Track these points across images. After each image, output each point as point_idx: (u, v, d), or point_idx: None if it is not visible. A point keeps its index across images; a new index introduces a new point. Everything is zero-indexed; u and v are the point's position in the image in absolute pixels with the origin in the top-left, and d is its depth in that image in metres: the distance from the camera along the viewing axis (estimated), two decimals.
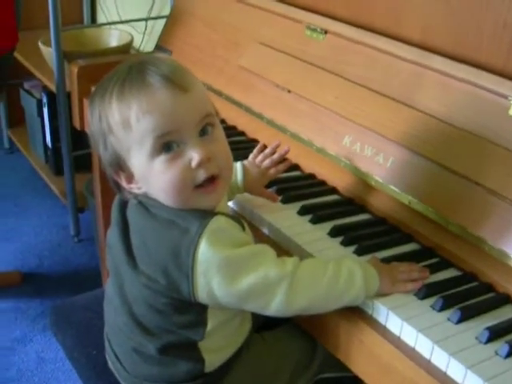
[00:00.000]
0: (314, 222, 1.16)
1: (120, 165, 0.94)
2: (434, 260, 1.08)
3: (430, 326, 0.91)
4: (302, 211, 1.19)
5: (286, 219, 1.16)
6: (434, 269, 1.05)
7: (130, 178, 0.95)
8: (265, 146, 1.25)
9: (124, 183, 0.97)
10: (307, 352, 1.10)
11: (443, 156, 1.09)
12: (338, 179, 1.27)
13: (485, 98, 1.08)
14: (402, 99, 1.18)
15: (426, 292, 0.98)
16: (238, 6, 1.57)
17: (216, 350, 1.02)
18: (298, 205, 1.20)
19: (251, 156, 1.23)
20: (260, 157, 1.22)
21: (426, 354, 0.89)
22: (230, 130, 1.49)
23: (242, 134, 1.49)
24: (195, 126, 0.91)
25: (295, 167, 1.35)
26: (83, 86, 1.71)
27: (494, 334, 0.89)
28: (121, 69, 0.93)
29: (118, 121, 0.90)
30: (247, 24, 1.54)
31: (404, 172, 1.14)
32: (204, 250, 0.89)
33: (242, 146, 1.42)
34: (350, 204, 1.23)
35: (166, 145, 0.90)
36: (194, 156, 0.90)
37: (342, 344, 0.99)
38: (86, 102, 1.71)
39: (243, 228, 0.97)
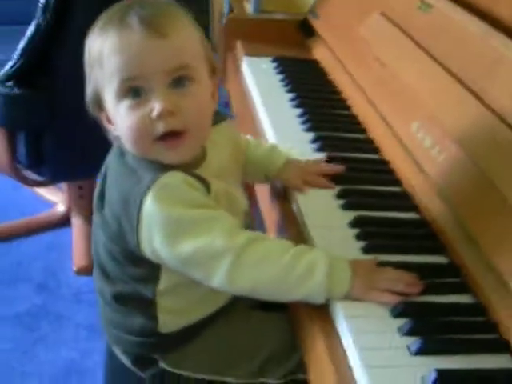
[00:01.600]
0: (344, 207, 1.04)
1: (99, 102, 0.92)
2: (453, 280, 0.91)
3: (377, 347, 0.78)
4: (341, 194, 1.07)
5: (317, 197, 1.06)
6: (447, 290, 0.89)
7: (109, 119, 0.93)
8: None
9: (105, 123, 0.94)
10: (287, 347, 0.99)
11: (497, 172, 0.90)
12: (404, 169, 1.13)
13: None
14: (475, 89, 0.99)
15: (402, 309, 0.83)
16: None
17: (174, 311, 0.97)
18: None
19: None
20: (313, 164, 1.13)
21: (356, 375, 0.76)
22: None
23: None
24: (166, 75, 0.86)
25: (376, 150, 1.22)
26: (229, 40, 1.71)
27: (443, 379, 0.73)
28: (115, 6, 0.91)
29: (95, 56, 0.88)
30: None
31: (452, 175, 0.97)
32: (149, 204, 0.85)
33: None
34: (403, 198, 1.08)
35: (133, 89, 0.86)
36: (156, 106, 0.85)
37: (302, 343, 0.90)
38: (229, 55, 1.71)
39: (208, 191, 0.90)
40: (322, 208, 1.04)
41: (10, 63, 1.77)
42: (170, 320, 0.97)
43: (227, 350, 1.01)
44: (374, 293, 0.84)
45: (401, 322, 0.81)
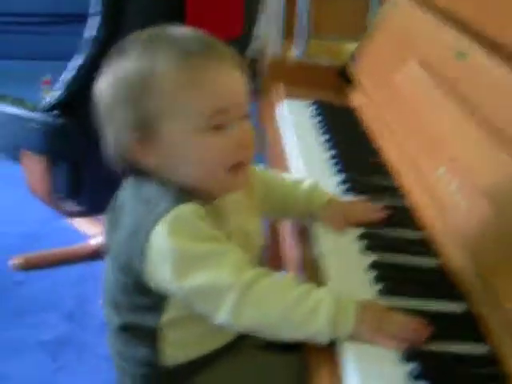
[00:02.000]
0: (363, 249, 1.02)
1: (146, 131, 0.89)
2: (468, 328, 0.87)
3: None
4: (363, 235, 1.06)
5: (337, 237, 1.05)
6: (461, 338, 0.85)
7: (147, 151, 0.91)
8: None
9: (139, 154, 0.91)
10: None
11: None
12: (428, 213, 1.11)
13: None
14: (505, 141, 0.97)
15: (413, 355, 0.80)
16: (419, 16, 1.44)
17: (178, 344, 0.96)
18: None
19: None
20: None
21: None
22: None
23: None
24: (244, 107, 0.89)
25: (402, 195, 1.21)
26: (270, 82, 1.73)
27: None
28: (172, 35, 0.91)
29: (168, 84, 0.87)
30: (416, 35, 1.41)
31: (470, 224, 0.95)
32: (160, 233, 0.86)
33: None
34: (425, 245, 1.05)
35: (218, 121, 0.88)
36: (242, 136, 0.89)
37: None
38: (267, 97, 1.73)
39: (222, 224, 0.91)
40: (338, 244, 1.04)
41: (58, 93, 1.82)
42: (173, 352, 0.96)
43: None
44: (381, 336, 0.82)
45: (410, 367, 0.78)
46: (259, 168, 1.11)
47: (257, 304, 0.84)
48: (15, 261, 2.31)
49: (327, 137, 1.42)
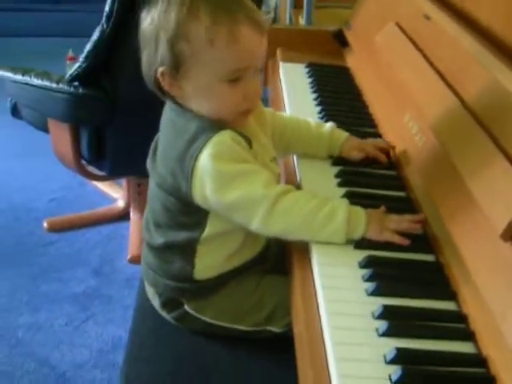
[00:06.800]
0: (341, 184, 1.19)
1: (176, 67, 1.03)
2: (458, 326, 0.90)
3: None
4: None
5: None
6: (449, 335, 0.88)
7: (173, 83, 1.05)
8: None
9: (166, 83, 1.06)
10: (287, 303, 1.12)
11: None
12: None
13: None
14: (455, 84, 1.12)
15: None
16: None
17: (208, 260, 1.14)
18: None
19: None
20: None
21: None
22: None
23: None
24: (258, 65, 1.05)
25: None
26: (270, 48, 1.87)
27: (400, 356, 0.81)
28: None
29: (203, 35, 0.99)
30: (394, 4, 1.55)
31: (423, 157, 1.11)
32: (203, 159, 1.02)
33: None
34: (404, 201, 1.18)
35: (237, 75, 1.03)
36: (251, 91, 1.04)
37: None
38: (270, 62, 1.87)
39: (250, 146, 1.07)
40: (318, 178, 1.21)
41: (76, 65, 2.00)
42: (204, 267, 1.15)
43: (242, 303, 1.18)
44: (387, 233, 1.02)
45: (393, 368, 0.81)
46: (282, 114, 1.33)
47: (284, 212, 1.02)
48: (47, 223, 2.52)
49: (316, 95, 1.58)
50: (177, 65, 1.03)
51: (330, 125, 1.31)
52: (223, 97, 1.04)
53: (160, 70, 1.05)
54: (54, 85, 2.06)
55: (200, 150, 1.03)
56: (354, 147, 1.27)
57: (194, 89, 1.05)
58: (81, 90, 2.03)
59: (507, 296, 0.80)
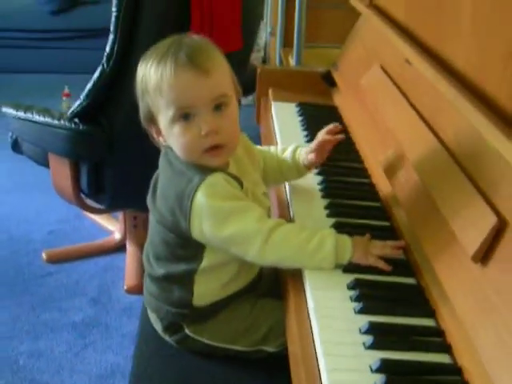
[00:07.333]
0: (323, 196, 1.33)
1: (152, 119, 1.18)
2: (436, 340, 0.99)
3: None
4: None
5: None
6: (428, 348, 0.97)
7: (158, 132, 1.19)
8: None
9: (154, 135, 1.21)
10: (282, 324, 1.17)
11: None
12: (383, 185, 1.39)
13: None
14: (433, 125, 1.24)
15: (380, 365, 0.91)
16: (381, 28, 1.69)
17: (206, 288, 1.23)
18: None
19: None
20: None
21: None
22: None
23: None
24: (209, 103, 1.12)
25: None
26: (262, 88, 1.99)
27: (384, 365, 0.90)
28: (166, 42, 1.17)
29: (153, 86, 1.13)
30: (379, 45, 1.67)
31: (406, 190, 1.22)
32: (199, 197, 1.12)
33: None
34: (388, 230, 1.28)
35: (185, 115, 1.13)
36: (204, 127, 1.12)
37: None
38: (262, 101, 1.99)
39: (241, 187, 1.17)
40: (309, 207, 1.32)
41: (77, 103, 2.10)
42: (202, 295, 1.24)
43: (238, 325, 1.27)
44: (371, 258, 1.12)
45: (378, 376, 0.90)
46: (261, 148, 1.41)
47: (277, 245, 1.12)
48: (45, 254, 2.60)
49: (306, 132, 1.70)
50: (150, 116, 1.17)
51: (291, 147, 1.40)
52: (182, 135, 1.12)
53: (146, 124, 1.20)
54: (55, 121, 2.16)
55: (196, 189, 1.12)
56: (309, 152, 1.36)
57: (165, 134, 1.17)
58: (81, 127, 2.13)
59: (478, 313, 0.91)
